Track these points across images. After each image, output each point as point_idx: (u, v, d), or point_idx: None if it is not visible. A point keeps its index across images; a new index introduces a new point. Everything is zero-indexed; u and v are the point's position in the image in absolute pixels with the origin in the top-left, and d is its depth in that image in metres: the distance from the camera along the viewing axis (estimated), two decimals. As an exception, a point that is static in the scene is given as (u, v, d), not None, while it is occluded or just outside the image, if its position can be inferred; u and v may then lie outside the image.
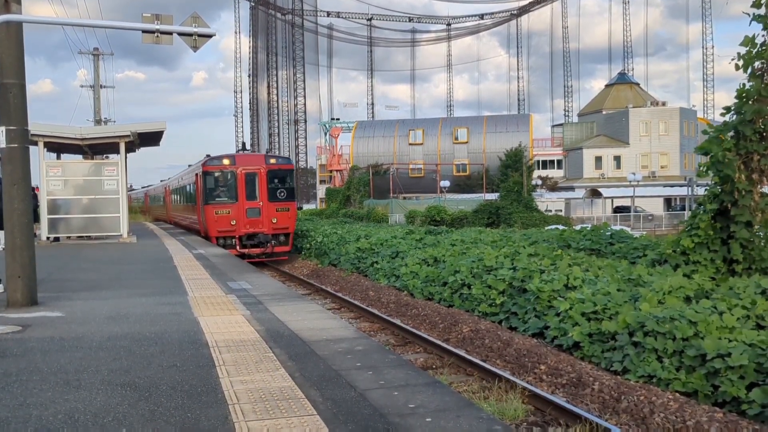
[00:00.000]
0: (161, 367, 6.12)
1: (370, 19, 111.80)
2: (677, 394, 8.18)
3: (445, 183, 58.03)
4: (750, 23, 12.88)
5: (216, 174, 24.61)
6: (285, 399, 5.12)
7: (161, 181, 55.27)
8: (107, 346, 7.07)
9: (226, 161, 24.74)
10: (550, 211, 57.75)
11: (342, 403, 4.98)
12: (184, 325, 8.17)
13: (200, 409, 4.88)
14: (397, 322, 13.59)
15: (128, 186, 39.70)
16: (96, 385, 5.55)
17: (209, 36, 10.81)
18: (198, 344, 7.07)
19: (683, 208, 57.87)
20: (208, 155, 26.60)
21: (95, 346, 7.05)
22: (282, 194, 25.04)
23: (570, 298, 11.21)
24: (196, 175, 26.68)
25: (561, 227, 30.30)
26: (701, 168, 13.30)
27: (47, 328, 8.06)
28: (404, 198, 57.22)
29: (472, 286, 14.34)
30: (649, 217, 57.59)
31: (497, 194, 48.44)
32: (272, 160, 25.54)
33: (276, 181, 25.08)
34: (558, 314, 11.27)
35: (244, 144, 32.71)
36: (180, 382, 5.59)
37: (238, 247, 24.19)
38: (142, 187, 74.45)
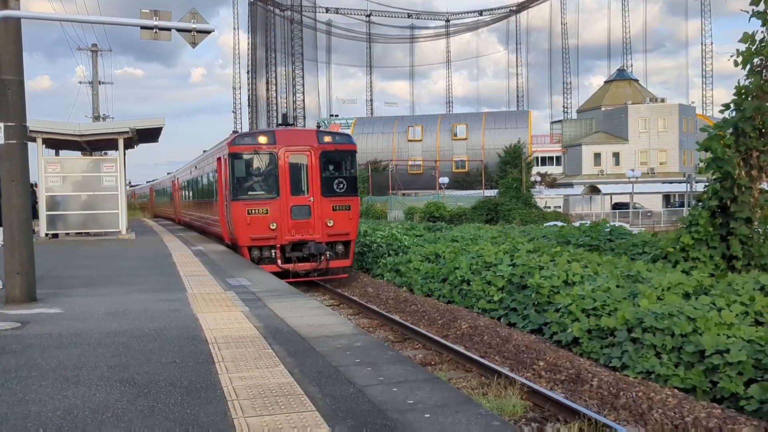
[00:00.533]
0: (160, 364, 6.11)
1: (368, 16, 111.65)
2: (676, 390, 8.19)
3: (444, 180, 58.06)
4: (749, 20, 12.90)
5: (248, 157, 17.68)
6: (284, 395, 5.12)
7: (168, 173, 46.87)
8: (106, 342, 7.07)
9: (262, 139, 17.72)
10: (549, 207, 57.81)
11: (341, 399, 4.98)
12: (183, 321, 8.17)
13: (199, 406, 4.88)
14: (396, 318, 13.59)
15: (128, 182, 39.60)
16: (95, 382, 5.55)
17: (208, 32, 10.80)
18: (197, 340, 7.07)
19: (682, 205, 57.92)
20: (235, 131, 20.07)
21: (94, 343, 7.05)
22: (341, 186, 18.03)
23: (571, 294, 11.22)
24: (219, 159, 19.33)
25: (560, 224, 30.33)
26: (702, 163, 13.34)
27: (46, 325, 8.06)
28: (403, 195, 57.30)
29: (471, 282, 14.36)
30: (648, 214, 57.60)
31: (496, 191, 48.49)
32: (327, 138, 18.27)
33: (332, 167, 18.14)
34: (557, 310, 11.28)
35: (285, 116, 22.30)
36: (179, 379, 5.59)
37: (279, 262, 17.35)
38: (147, 182, 68.60)
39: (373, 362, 6.06)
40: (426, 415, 4.62)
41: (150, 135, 26.00)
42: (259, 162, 17.77)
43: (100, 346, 6.91)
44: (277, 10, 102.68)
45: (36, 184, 21.31)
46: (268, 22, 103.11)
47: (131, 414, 4.72)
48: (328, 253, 17.63)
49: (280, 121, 20.77)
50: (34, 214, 18.70)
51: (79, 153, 27.79)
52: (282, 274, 16.03)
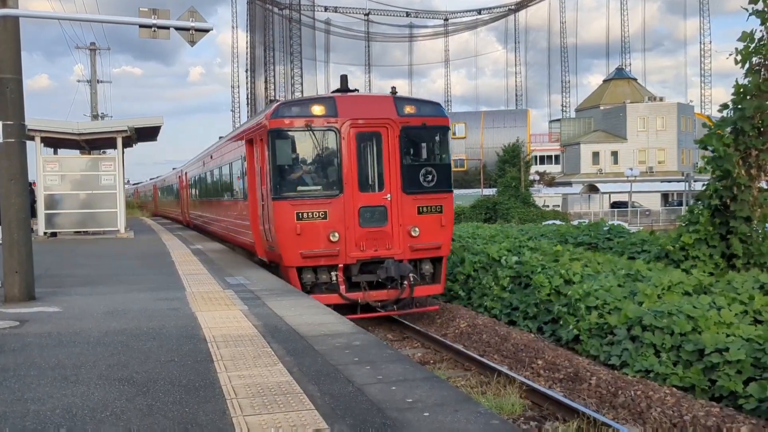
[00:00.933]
0: (159, 362, 6.11)
1: (367, 15, 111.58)
2: (674, 389, 8.20)
3: (443, 178, 57.86)
4: (747, 18, 12.91)
5: (297, 136, 12.52)
6: (283, 394, 5.11)
7: (174, 169, 40.97)
8: (105, 341, 7.06)
9: (317, 109, 12.47)
10: (548, 206, 57.84)
11: (340, 398, 4.98)
12: (182, 320, 8.16)
13: (198, 404, 4.88)
14: (395, 316, 13.59)
15: (126, 181, 39.49)
16: (94, 380, 5.54)
17: (206, 31, 10.78)
18: (196, 339, 7.06)
19: (680, 204, 58.01)
20: (273, 100, 12.62)
21: (93, 342, 7.04)
22: (430, 178, 12.90)
23: (579, 291, 11.24)
24: (251, 143, 14.23)
25: (558, 222, 30.35)
26: (702, 162, 13.37)
27: (45, 324, 8.05)
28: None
29: (476, 280, 14.40)
30: (647, 213, 57.68)
31: (495, 190, 48.53)
32: (409, 108, 12.93)
33: (417, 150, 13.14)
34: (566, 305, 11.27)
35: (345, 78, 14.11)
36: (178, 377, 5.59)
37: (342, 288, 12.29)
38: (151, 179, 64.45)
39: (371, 361, 6.06)
40: (425, 414, 4.61)
41: (149, 134, 25.98)
42: (314, 142, 12.47)
43: (98, 344, 6.91)
44: (275, 9, 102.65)
45: (34, 183, 21.30)
46: (266, 20, 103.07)
47: (130, 413, 4.71)
48: (412, 275, 12.48)
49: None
50: (33, 213, 18.69)
51: (78, 152, 27.77)
52: (346, 308, 11.70)
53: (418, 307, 13.20)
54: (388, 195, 12.52)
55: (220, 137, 22.09)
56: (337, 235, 12.07)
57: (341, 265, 12.27)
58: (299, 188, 12.46)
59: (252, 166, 14.18)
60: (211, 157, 21.65)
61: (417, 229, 12.53)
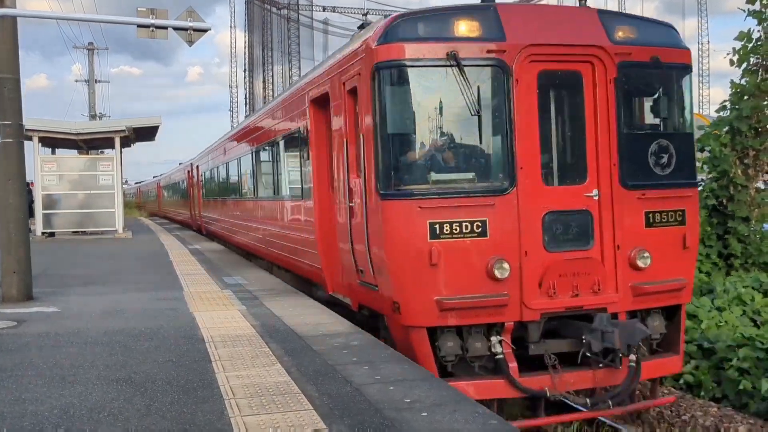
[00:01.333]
0: (157, 363, 6.10)
1: (365, 15, 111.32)
2: (672, 389, 8.21)
3: (441, 178, 57.82)
4: (745, 18, 12.92)
5: (428, 76, 6.85)
6: (281, 394, 5.11)
7: (180, 164, 35.72)
8: (103, 341, 7.05)
9: (464, 27, 6.68)
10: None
11: (338, 398, 4.97)
12: (180, 320, 8.15)
13: (196, 404, 4.87)
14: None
15: (125, 181, 39.53)
16: (92, 381, 5.54)
17: (204, 30, 10.79)
18: (194, 339, 7.06)
19: (679, 204, 58.04)
20: (364, 24, 8.80)
21: (91, 342, 7.03)
22: (665, 160, 7.20)
23: None
24: (322, 100, 8.92)
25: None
26: (699, 162, 13.37)
27: (43, 324, 8.05)
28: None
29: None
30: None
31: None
32: (625, 31, 7.10)
33: (639, 109, 7.74)
34: None
35: None
36: (176, 377, 5.58)
37: (512, 368, 6.61)
38: (154, 177, 59.09)
39: (370, 361, 6.05)
40: (423, 414, 4.61)
41: (147, 134, 25.99)
42: (461, 89, 6.76)
43: (96, 344, 6.90)
44: (273, 9, 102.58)
45: (32, 183, 21.30)
46: (264, 20, 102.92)
47: (128, 413, 4.71)
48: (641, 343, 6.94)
49: None
50: (31, 213, 18.69)
51: (76, 152, 27.76)
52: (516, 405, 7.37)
53: (643, 398, 7.68)
54: (595, 191, 7.05)
55: (247, 115, 17.06)
56: (506, 266, 6.67)
57: (510, 324, 6.79)
58: (434, 176, 6.94)
59: (321, 142, 9.08)
60: (238, 141, 16.15)
61: (647, 254, 7.04)
